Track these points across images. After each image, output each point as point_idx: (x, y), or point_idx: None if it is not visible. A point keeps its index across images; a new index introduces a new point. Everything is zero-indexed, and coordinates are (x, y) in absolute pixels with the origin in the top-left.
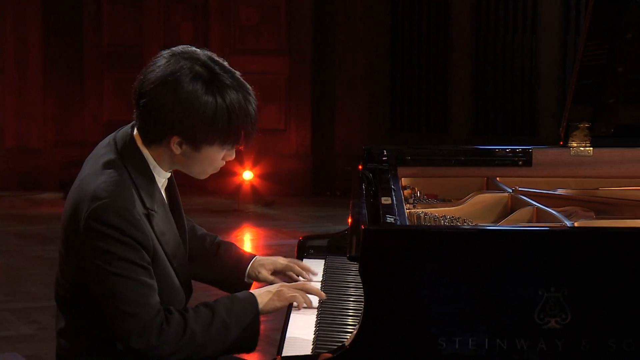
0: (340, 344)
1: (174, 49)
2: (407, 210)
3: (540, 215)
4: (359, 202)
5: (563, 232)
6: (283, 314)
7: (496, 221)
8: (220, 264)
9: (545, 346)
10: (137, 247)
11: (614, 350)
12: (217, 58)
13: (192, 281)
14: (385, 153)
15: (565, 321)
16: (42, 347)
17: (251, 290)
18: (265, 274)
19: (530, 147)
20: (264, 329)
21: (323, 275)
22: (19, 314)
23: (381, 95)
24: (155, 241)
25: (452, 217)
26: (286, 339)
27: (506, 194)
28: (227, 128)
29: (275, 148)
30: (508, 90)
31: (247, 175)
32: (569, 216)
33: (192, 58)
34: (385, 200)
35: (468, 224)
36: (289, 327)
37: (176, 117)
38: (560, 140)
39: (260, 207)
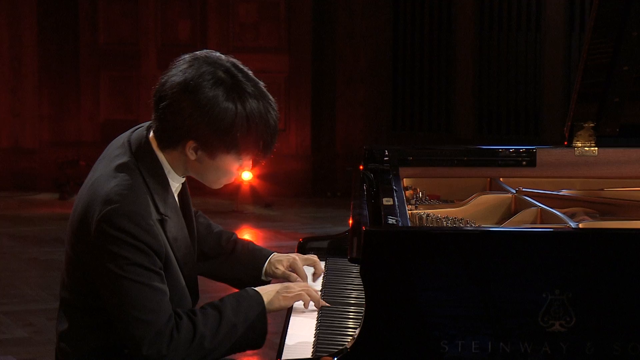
0: (341, 348)
1: (197, 53)
2: (409, 212)
3: (544, 217)
4: (360, 203)
5: (567, 234)
6: (283, 317)
7: (499, 222)
8: (237, 262)
9: (550, 349)
10: (150, 252)
11: (619, 354)
12: (241, 65)
13: (207, 280)
14: (386, 153)
15: (570, 324)
16: (37, 350)
17: (256, 288)
18: (282, 270)
19: (534, 147)
20: None
21: (323, 277)
22: (14, 317)
23: (383, 94)
24: (168, 247)
25: (455, 218)
26: (286, 342)
27: (510, 195)
28: (245, 137)
29: (275, 148)
30: (512, 89)
31: (246, 175)
32: (573, 217)
33: (215, 63)
34: (387, 201)
35: (471, 225)
36: (288, 330)
37: (194, 122)
38: (564, 140)
39: (259, 208)
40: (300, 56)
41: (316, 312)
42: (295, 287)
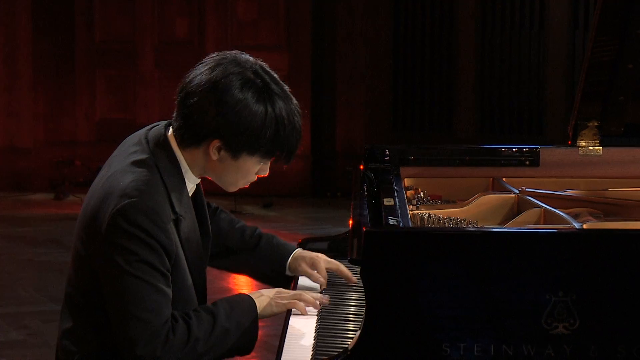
0: (341, 350)
1: (226, 52)
2: (410, 212)
3: (547, 217)
4: (360, 203)
5: (571, 235)
6: (282, 319)
7: (502, 223)
8: (261, 256)
9: (553, 352)
10: (160, 251)
11: (624, 357)
12: (268, 68)
13: (212, 282)
14: (387, 152)
15: (574, 326)
16: (32, 353)
17: (250, 294)
18: (305, 267)
19: (537, 146)
20: (262, 334)
21: None
22: (8, 320)
23: (383, 93)
24: (179, 248)
25: (457, 218)
26: (285, 345)
27: (513, 195)
28: (273, 140)
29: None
30: (514, 87)
31: None
32: (577, 218)
33: (244, 64)
34: (388, 202)
35: (473, 226)
36: (287, 332)
37: (222, 121)
38: (568, 139)
39: (258, 208)
40: (299, 55)
41: (316, 314)
42: (289, 293)
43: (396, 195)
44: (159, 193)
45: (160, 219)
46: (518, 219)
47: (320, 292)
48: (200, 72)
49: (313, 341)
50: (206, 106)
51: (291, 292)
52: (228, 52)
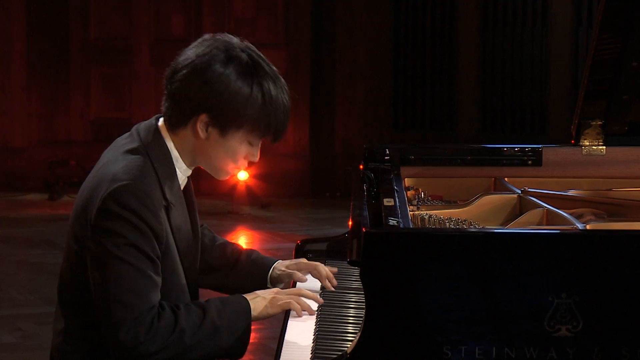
0: (340, 353)
1: (216, 34)
2: (411, 212)
3: (550, 218)
4: (359, 204)
5: (574, 235)
6: (280, 322)
7: (504, 224)
8: (242, 272)
9: (556, 355)
10: (150, 236)
11: (628, 359)
12: (255, 49)
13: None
14: (387, 152)
15: (577, 329)
16: (26, 356)
17: (245, 295)
18: (285, 270)
19: (540, 145)
20: (260, 337)
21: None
22: (2, 322)
23: (383, 91)
24: (170, 235)
25: (458, 219)
26: (283, 348)
27: (515, 195)
28: (259, 114)
29: (272, 147)
30: (517, 85)
31: (242, 175)
32: (580, 218)
33: (230, 42)
34: (388, 202)
35: (475, 227)
36: (286, 335)
37: (207, 94)
38: (571, 138)
39: (256, 209)
40: (298, 52)
41: (315, 316)
42: (284, 294)
43: (396, 195)
44: (150, 179)
45: (152, 202)
46: (520, 219)
47: (320, 292)
48: (186, 52)
49: (312, 344)
50: (191, 80)
51: (288, 291)
52: (218, 34)
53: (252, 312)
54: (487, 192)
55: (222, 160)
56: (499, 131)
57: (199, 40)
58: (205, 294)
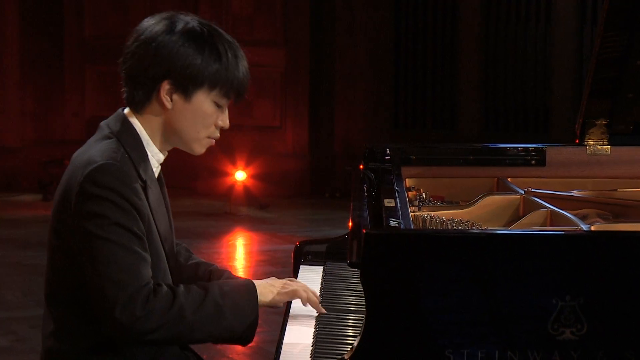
0: (339, 357)
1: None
2: (412, 213)
3: (554, 219)
4: (360, 205)
5: (579, 237)
6: (278, 325)
7: (507, 225)
8: None
9: (560, 358)
10: (134, 213)
11: None
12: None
13: None
14: (388, 152)
15: (581, 332)
16: None
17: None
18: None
19: (543, 145)
20: (258, 340)
21: (322, 282)
22: None
23: (384, 90)
24: (150, 215)
25: (460, 220)
26: (282, 352)
27: (518, 196)
28: (217, 69)
29: (270, 147)
30: (520, 84)
31: (240, 175)
32: (585, 219)
33: (174, 13)
34: (389, 203)
35: (477, 228)
36: (285, 338)
37: (163, 59)
38: (575, 138)
39: (254, 209)
40: (297, 50)
41: (314, 320)
42: (293, 283)
43: (397, 196)
44: (124, 160)
45: (129, 179)
46: (523, 220)
47: (320, 294)
48: (135, 32)
49: (311, 347)
50: (142, 52)
51: (296, 283)
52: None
53: (258, 296)
54: (489, 193)
55: (193, 128)
56: (502, 130)
57: (146, 18)
58: None
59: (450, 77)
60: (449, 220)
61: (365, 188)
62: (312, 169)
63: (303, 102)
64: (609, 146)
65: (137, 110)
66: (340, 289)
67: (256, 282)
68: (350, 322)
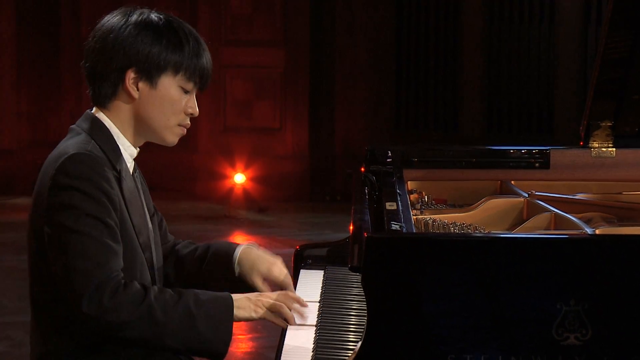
0: None
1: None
2: (414, 217)
3: (558, 222)
4: (361, 208)
5: (583, 241)
6: (278, 330)
7: (511, 228)
8: (210, 266)
9: None
10: (105, 203)
11: None
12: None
13: None
14: (389, 154)
15: (586, 337)
16: None
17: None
18: (257, 280)
19: (547, 147)
20: (258, 345)
21: (322, 287)
22: None
23: (385, 91)
24: (123, 206)
25: (463, 224)
26: (282, 358)
27: (521, 199)
28: (179, 52)
29: (270, 149)
30: (523, 85)
31: (239, 178)
32: (589, 223)
33: (129, 7)
34: (390, 206)
35: (480, 232)
36: (285, 344)
37: (123, 48)
38: (580, 140)
39: (253, 213)
40: (297, 50)
41: (314, 325)
42: (272, 296)
43: (399, 199)
44: (97, 152)
45: (101, 167)
46: (527, 224)
47: (320, 299)
48: (93, 31)
49: (312, 353)
50: (102, 46)
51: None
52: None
53: (235, 310)
54: (492, 196)
55: (162, 115)
56: (505, 132)
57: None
58: None
59: (452, 78)
60: (451, 223)
61: (366, 191)
62: (312, 171)
63: (303, 103)
64: (614, 148)
65: (104, 105)
66: (341, 294)
67: (234, 296)
68: (352, 327)
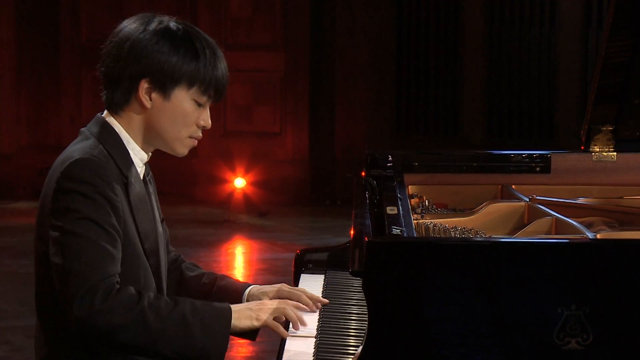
0: None
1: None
2: (415, 221)
3: (559, 227)
4: (361, 212)
5: (584, 245)
6: (279, 335)
7: (512, 233)
8: (216, 297)
9: None
10: (106, 206)
11: None
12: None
13: None
14: (390, 158)
15: (587, 342)
16: None
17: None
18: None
19: (548, 152)
20: (258, 350)
21: (323, 291)
22: None
23: (386, 94)
24: (128, 213)
25: (464, 228)
26: None
27: (522, 204)
28: (195, 65)
29: (270, 153)
30: (524, 89)
31: (239, 182)
32: (590, 227)
33: (150, 13)
34: (391, 210)
35: (481, 236)
36: (285, 349)
37: (139, 57)
38: (581, 144)
39: (253, 217)
40: (297, 53)
41: (315, 329)
42: (270, 304)
43: (400, 203)
44: (104, 155)
45: (105, 173)
46: (528, 228)
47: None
48: (111, 35)
49: (312, 358)
50: (118, 52)
51: (274, 303)
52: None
53: (233, 320)
54: (493, 200)
55: (173, 127)
56: (506, 136)
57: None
58: None
59: (453, 81)
60: (452, 228)
61: (367, 195)
62: (312, 175)
63: (303, 106)
64: (615, 153)
65: (116, 111)
66: (342, 298)
67: (233, 306)
68: (352, 332)
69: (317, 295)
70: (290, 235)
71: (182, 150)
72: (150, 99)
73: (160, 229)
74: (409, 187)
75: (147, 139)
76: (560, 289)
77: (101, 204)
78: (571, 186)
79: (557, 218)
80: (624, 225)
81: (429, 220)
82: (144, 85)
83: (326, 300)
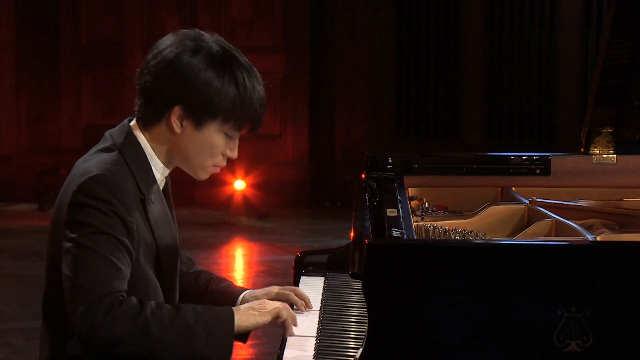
0: None
1: (188, 29)
2: (415, 223)
3: (559, 229)
4: (361, 214)
5: (584, 247)
6: (278, 337)
7: (512, 235)
8: (208, 300)
9: None
10: (120, 224)
11: None
12: (225, 41)
13: None
14: (390, 160)
15: (587, 344)
16: None
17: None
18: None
19: (548, 154)
20: (258, 352)
21: (323, 294)
22: None
23: (386, 97)
24: (147, 231)
25: (464, 230)
26: None
27: (522, 206)
28: (233, 101)
29: (270, 155)
30: (524, 91)
31: (239, 185)
32: (590, 229)
33: (200, 35)
34: (391, 212)
35: (481, 238)
36: (285, 351)
37: (178, 84)
38: (581, 146)
39: (253, 219)
40: (297, 55)
41: (315, 331)
42: (272, 303)
43: (400, 205)
44: (123, 173)
45: (122, 193)
46: (528, 230)
47: (321, 305)
48: (157, 46)
49: None
50: (160, 72)
51: (274, 303)
52: (190, 29)
53: (236, 322)
54: (493, 203)
55: (199, 156)
56: (506, 138)
57: (170, 34)
58: None
59: (453, 83)
60: (452, 230)
61: (367, 197)
62: (312, 177)
63: (303, 109)
64: (615, 155)
65: (144, 126)
66: (341, 300)
67: (235, 308)
68: (352, 334)
69: (307, 295)
70: (290, 238)
71: (204, 176)
72: (182, 125)
73: (178, 242)
74: (409, 189)
75: (171, 159)
76: (560, 291)
77: (115, 221)
78: (571, 188)
79: (557, 220)
80: (624, 227)
81: (429, 223)
82: (177, 111)
83: (312, 306)
